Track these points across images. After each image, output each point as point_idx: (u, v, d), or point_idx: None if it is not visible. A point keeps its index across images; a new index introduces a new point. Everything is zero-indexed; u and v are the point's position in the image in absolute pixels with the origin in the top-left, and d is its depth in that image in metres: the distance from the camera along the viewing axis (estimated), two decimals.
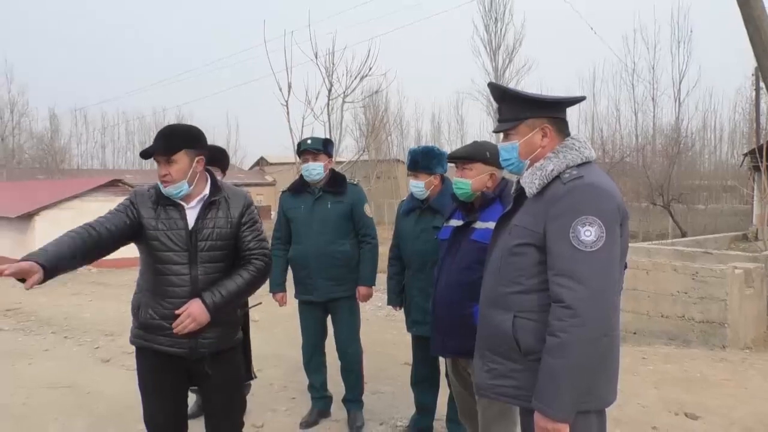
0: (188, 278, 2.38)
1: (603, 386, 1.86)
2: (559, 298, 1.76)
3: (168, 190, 2.38)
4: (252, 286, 2.44)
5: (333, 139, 4.02)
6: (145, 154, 2.43)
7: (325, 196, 3.74)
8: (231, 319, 2.54)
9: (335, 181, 3.79)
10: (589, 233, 1.75)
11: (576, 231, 1.76)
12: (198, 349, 2.42)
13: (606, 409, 1.93)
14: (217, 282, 2.40)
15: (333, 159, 3.89)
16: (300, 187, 3.83)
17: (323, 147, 3.73)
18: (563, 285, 1.75)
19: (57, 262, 2.12)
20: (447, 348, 2.81)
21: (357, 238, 3.78)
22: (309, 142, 3.75)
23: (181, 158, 2.35)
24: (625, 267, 1.94)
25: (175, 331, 2.31)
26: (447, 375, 3.08)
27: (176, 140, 2.37)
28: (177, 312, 2.33)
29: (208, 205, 2.43)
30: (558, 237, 1.79)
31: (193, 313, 2.30)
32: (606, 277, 1.75)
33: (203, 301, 2.31)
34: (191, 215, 2.42)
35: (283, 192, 3.98)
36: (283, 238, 3.89)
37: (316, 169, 3.70)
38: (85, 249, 2.23)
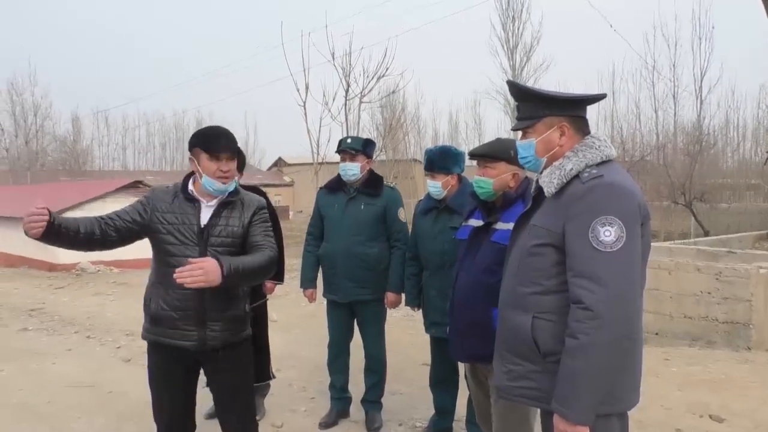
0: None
1: (625, 389, 1.83)
2: (578, 300, 1.73)
3: (227, 186, 2.51)
4: (262, 270, 2.41)
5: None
6: (219, 149, 2.47)
7: (360, 196, 3.72)
8: (237, 314, 2.55)
9: (372, 182, 3.77)
10: (608, 233, 1.71)
11: (595, 231, 1.73)
12: (206, 341, 2.47)
13: (628, 412, 1.90)
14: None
15: (373, 159, 3.88)
16: (336, 185, 3.82)
17: (362, 147, 3.72)
18: (582, 286, 1.72)
19: (64, 224, 2.27)
20: (465, 353, 2.72)
21: (388, 241, 3.74)
22: (349, 141, 3.74)
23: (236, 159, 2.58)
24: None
25: (178, 277, 2.18)
26: (466, 377, 3.04)
27: (235, 142, 2.56)
28: (190, 260, 2.21)
29: (224, 204, 2.53)
30: (577, 237, 1.76)
31: (206, 267, 2.18)
32: (626, 277, 1.72)
33: (219, 262, 2.23)
34: (206, 212, 2.52)
35: (320, 188, 3.98)
36: (316, 234, 3.90)
37: (352, 170, 3.70)
38: (92, 233, 2.36)
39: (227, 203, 2.54)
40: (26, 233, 2.22)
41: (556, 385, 1.77)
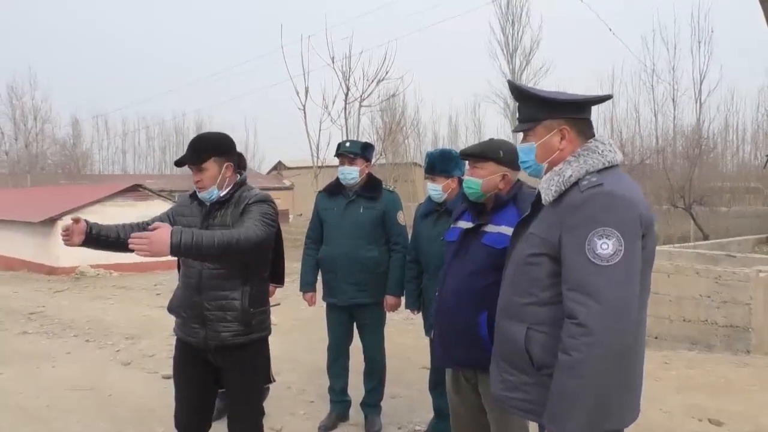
0: (196, 271, 2.58)
1: (621, 406, 1.75)
2: (572, 315, 1.66)
3: (202, 195, 2.62)
4: (224, 248, 2.32)
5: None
6: (179, 163, 2.64)
7: (359, 200, 3.73)
8: (236, 315, 2.56)
9: (370, 186, 3.78)
10: (606, 246, 1.64)
11: (592, 243, 1.65)
12: (208, 340, 2.58)
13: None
14: (221, 276, 2.54)
15: (372, 163, 3.88)
16: (335, 188, 3.83)
17: (361, 151, 3.73)
18: (576, 300, 1.65)
19: (103, 232, 2.54)
20: (450, 358, 2.59)
21: (387, 245, 3.75)
22: (347, 145, 3.77)
23: (211, 166, 2.56)
24: None
25: (129, 243, 2.26)
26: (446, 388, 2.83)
27: (205, 149, 2.57)
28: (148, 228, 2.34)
29: (218, 205, 2.61)
30: (573, 249, 1.69)
31: (153, 237, 2.20)
32: (623, 292, 1.64)
33: (171, 233, 2.22)
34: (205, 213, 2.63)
35: (319, 192, 3.99)
36: (315, 238, 3.90)
37: (351, 174, 3.71)
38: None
39: (222, 203, 2.61)
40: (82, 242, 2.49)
41: (548, 402, 1.70)
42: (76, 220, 2.46)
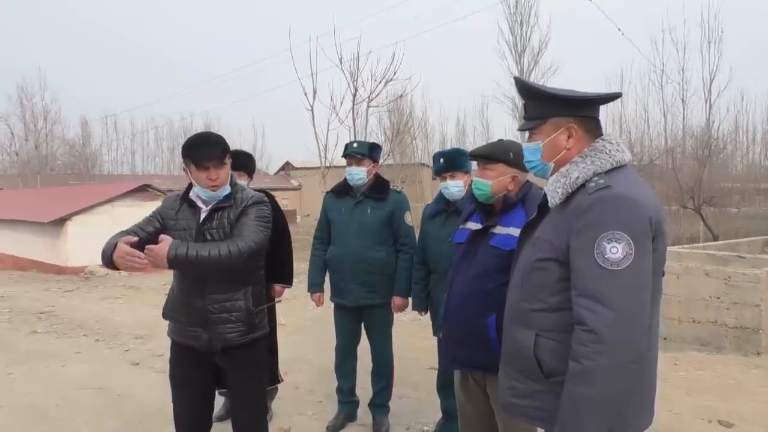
0: (194, 275, 2.55)
1: (634, 414, 1.71)
2: (581, 321, 1.61)
3: (217, 194, 2.56)
4: (221, 261, 2.41)
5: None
6: (200, 159, 2.50)
7: (366, 200, 3.72)
8: (240, 316, 2.58)
9: (378, 187, 3.77)
10: (615, 250, 1.59)
11: (601, 248, 1.60)
12: (213, 343, 2.57)
13: None
14: (221, 278, 2.52)
15: (380, 164, 3.89)
16: (343, 189, 3.83)
17: (368, 152, 3.73)
18: (586, 307, 1.61)
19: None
20: (457, 360, 2.58)
21: (395, 245, 3.74)
22: (355, 146, 3.76)
23: (228, 163, 2.56)
24: (663, 274, 1.80)
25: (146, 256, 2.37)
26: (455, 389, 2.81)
27: (224, 147, 2.55)
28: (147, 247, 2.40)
29: (217, 208, 2.58)
30: (581, 254, 1.64)
31: (155, 253, 2.34)
32: (634, 298, 1.59)
33: (168, 249, 2.34)
34: (203, 217, 2.60)
35: (326, 193, 3.99)
36: (322, 239, 3.91)
37: (358, 174, 3.71)
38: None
39: (221, 207, 2.58)
40: (111, 261, 2.42)
41: (559, 411, 1.66)
42: (128, 242, 2.42)
